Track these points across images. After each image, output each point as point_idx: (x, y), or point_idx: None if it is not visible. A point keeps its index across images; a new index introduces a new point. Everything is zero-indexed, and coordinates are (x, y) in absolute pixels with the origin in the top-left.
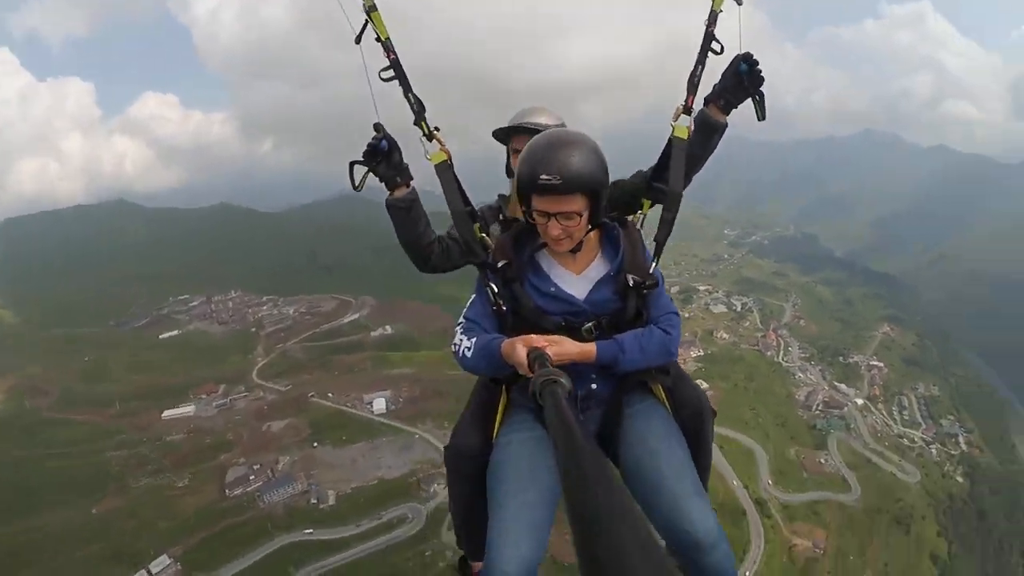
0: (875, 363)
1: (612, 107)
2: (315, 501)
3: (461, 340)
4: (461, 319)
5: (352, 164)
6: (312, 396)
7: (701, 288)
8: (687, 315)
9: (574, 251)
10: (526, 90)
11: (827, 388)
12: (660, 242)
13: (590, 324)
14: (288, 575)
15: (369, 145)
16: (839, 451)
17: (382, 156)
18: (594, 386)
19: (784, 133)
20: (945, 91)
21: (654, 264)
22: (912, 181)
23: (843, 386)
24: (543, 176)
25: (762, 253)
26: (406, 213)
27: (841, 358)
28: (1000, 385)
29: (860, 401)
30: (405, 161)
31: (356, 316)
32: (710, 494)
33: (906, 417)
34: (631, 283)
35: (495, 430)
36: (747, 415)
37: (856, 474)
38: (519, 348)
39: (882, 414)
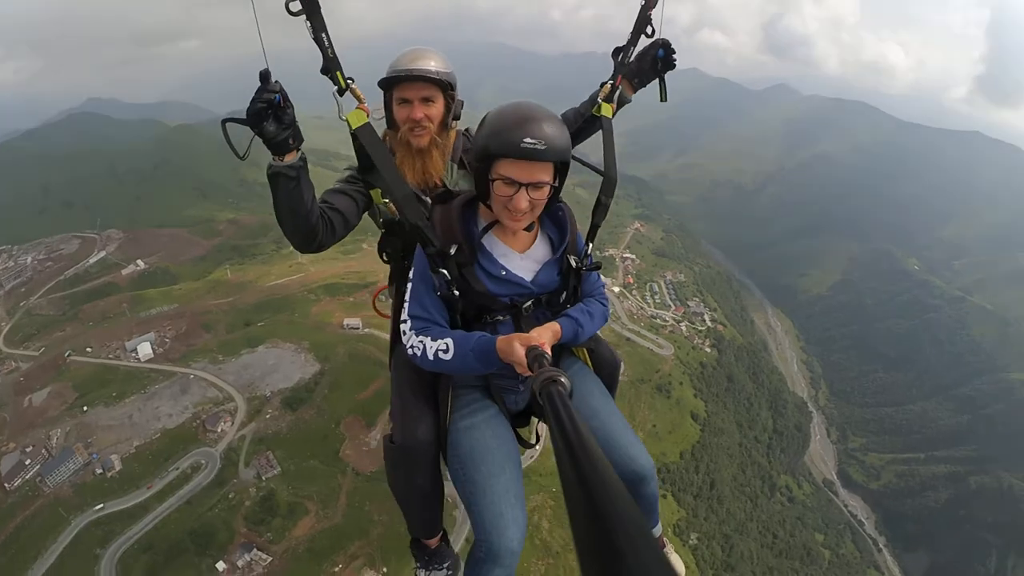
0: (628, 255)
1: (379, 2)
2: (101, 471)
3: (424, 342)
4: (406, 318)
5: (226, 122)
6: (70, 355)
7: None
8: None
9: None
10: None
11: None
12: (596, 225)
13: (530, 303)
14: (96, 558)
15: (262, 100)
16: (601, 334)
17: (272, 113)
18: None
19: (550, 45)
20: (704, 20)
21: (589, 246)
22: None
23: (600, 277)
24: (528, 139)
25: None
26: (296, 184)
27: (598, 251)
28: (736, 272)
29: (617, 289)
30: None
31: (103, 254)
32: None
33: (658, 300)
34: (574, 265)
35: (447, 416)
36: None
37: (619, 351)
38: (517, 347)
39: (637, 299)
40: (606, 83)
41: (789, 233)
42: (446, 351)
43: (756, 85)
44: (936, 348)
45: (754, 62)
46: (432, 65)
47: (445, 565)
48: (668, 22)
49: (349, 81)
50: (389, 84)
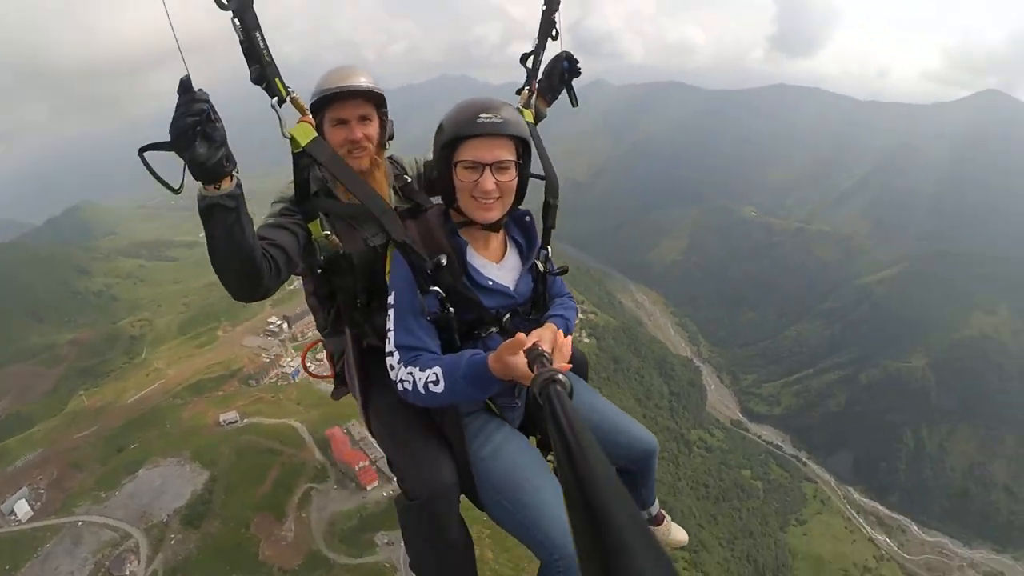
0: None
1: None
2: None
3: (412, 374)
4: (392, 349)
5: (145, 151)
6: None
7: None
8: None
9: (490, 229)
10: (79, 68)
11: None
12: (550, 228)
13: (508, 314)
14: None
15: (190, 113)
16: None
17: (200, 132)
18: None
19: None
20: (512, 35)
21: (549, 250)
22: None
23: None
24: (484, 114)
25: None
26: (235, 216)
27: None
28: (592, 261)
29: None
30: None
31: None
32: None
33: None
34: (542, 270)
35: (464, 449)
36: None
37: None
38: (519, 359)
39: None
40: (522, 90)
41: (631, 213)
42: (436, 382)
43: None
44: (790, 277)
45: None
46: (364, 81)
47: None
48: (477, 42)
49: (289, 90)
50: (322, 104)
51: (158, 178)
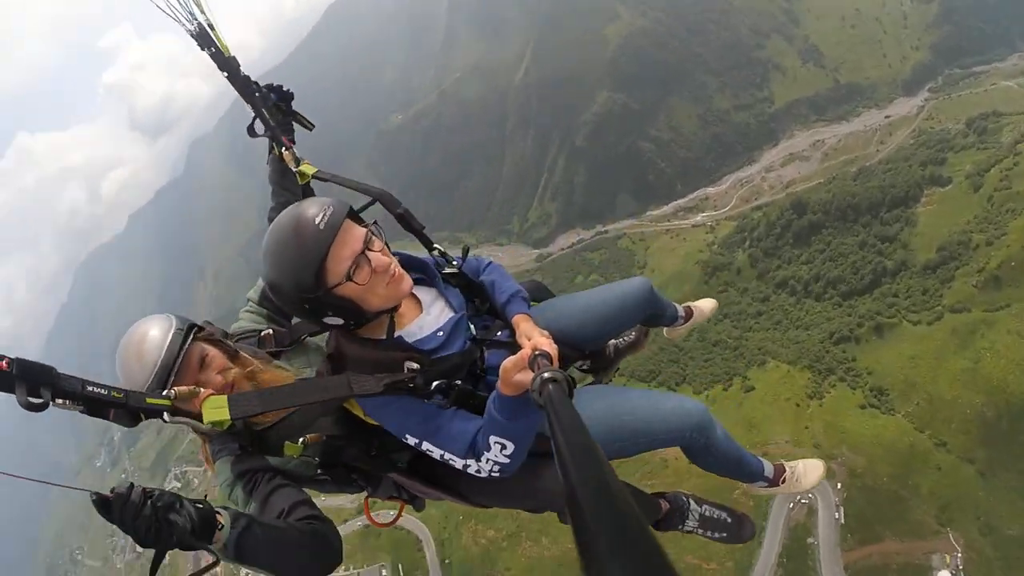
0: None
1: None
2: None
3: (489, 459)
4: (464, 463)
5: (154, 570)
6: None
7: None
8: None
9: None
10: None
11: None
12: (419, 230)
13: (470, 325)
14: None
15: (143, 523)
16: None
17: (162, 521)
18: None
19: None
20: (94, 177)
21: (437, 249)
22: (142, 256)
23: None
24: (316, 222)
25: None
26: (257, 525)
27: None
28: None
29: None
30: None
31: None
32: None
33: None
34: (456, 270)
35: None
36: None
37: None
38: (523, 375)
39: None
40: (283, 151)
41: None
42: (504, 447)
43: (181, 165)
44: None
45: (161, 155)
46: (158, 336)
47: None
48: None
49: (165, 394)
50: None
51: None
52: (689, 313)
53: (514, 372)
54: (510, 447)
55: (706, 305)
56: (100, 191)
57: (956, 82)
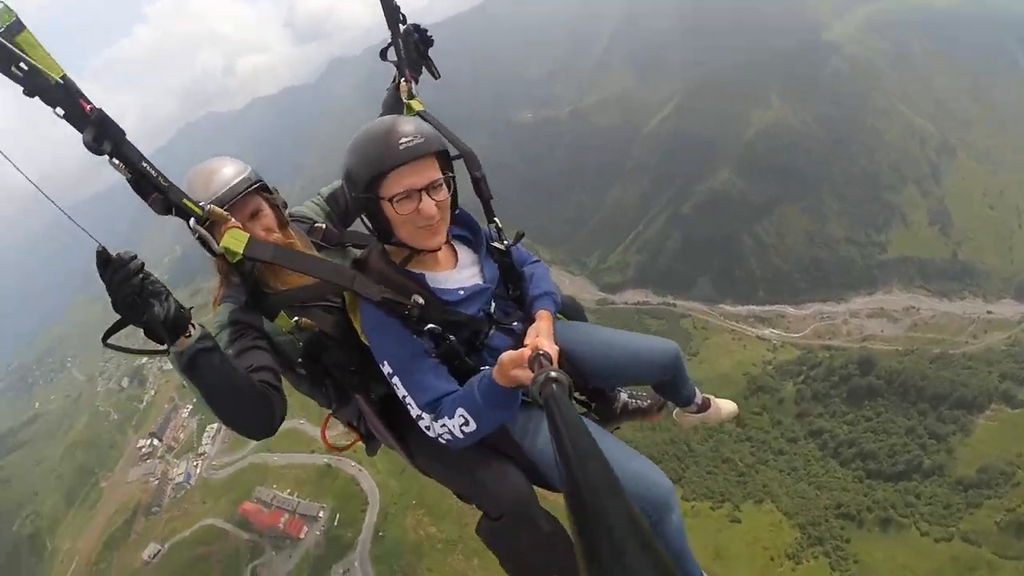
0: None
1: None
2: None
3: (445, 425)
4: (420, 413)
5: (108, 337)
6: None
7: (144, 360)
8: (153, 392)
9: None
10: None
11: None
12: (487, 200)
13: (493, 304)
14: None
15: (127, 285)
16: None
17: (146, 295)
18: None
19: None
20: (234, 52)
21: (497, 222)
22: (249, 139)
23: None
24: (403, 139)
25: (172, 285)
26: (219, 353)
27: None
28: None
29: None
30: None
31: None
32: None
33: None
34: (503, 248)
35: (522, 448)
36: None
37: None
38: (521, 372)
39: None
40: (399, 82)
41: None
42: (466, 423)
43: (313, 76)
44: (586, 154)
45: (301, 59)
46: (238, 175)
47: None
48: (206, 75)
49: (201, 204)
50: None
51: (141, 352)
52: (706, 405)
53: (511, 367)
54: (472, 426)
55: (725, 406)
56: (236, 67)
57: None
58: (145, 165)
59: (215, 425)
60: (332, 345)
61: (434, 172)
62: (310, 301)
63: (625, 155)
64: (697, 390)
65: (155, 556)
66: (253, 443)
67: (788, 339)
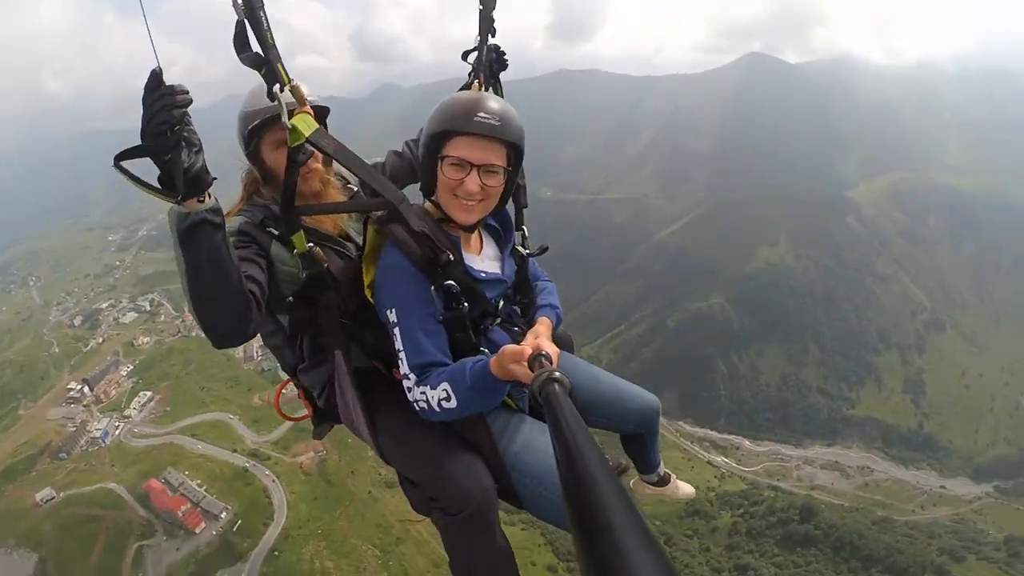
0: None
1: None
2: None
3: (426, 393)
4: (408, 372)
5: (122, 159)
6: None
7: (104, 306)
8: (100, 340)
9: (464, 230)
10: None
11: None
12: (523, 206)
13: (497, 317)
14: None
15: (170, 113)
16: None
17: (183, 134)
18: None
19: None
20: (295, 48)
21: (525, 230)
22: None
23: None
24: (482, 113)
25: (152, 245)
26: (223, 235)
27: None
28: None
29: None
30: None
31: None
32: None
33: None
34: (524, 253)
35: (496, 448)
36: (202, 395)
37: None
38: (519, 368)
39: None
40: (473, 81)
41: None
42: (448, 398)
43: (362, 93)
44: (591, 245)
45: (355, 73)
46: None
47: None
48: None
49: (291, 78)
50: (262, 127)
51: (148, 187)
52: (666, 479)
53: (510, 360)
54: (452, 403)
55: (684, 488)
56: (291, 60)
57: None
58: (262, 14)
59: (148, 393)
60: (333, 287)
61: (494, 157)
62: (354, 211)
63: (627, 256)
64: (661, 462)
65: (47, 501)
66: (179, 423)
67: (737, 471)
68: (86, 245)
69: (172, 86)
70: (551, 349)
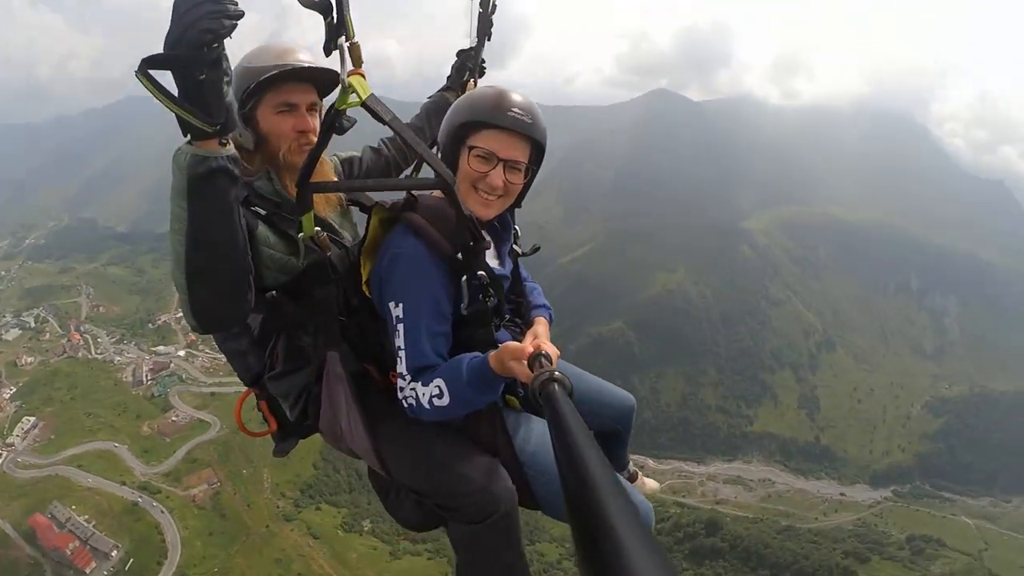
0: (181, 314)
1: None
2: None
3: (416, 390)
4: (405, 373)
5: (149, 66)
6: None
7: None
8: None
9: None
10: None
11: (148, 357)
12: (515, 207)
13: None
14: None
15: (215, 24)
16: (184, 402)
17: (215, 55)
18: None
19: (40, 111)
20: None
21: (517, 229)
22: None
23: (161, 347)
24: (517, 109)
25: (42, 255)
26: (237, 191)
27: (150, 324)
28: None
29: (182, 352)
30: None
31: None
32: None
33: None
34: (519, 252)
35: (513, 448)
36: (88, 423)
37: (208, 411)
38: (517, 365)
39: (208, 352)
40: (467, 81)
41: None
42: (440, 395)
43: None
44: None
45: None
46: (310, 59)
47: None
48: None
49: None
50: (264, 86)
51: (180, 104)
52: (634, 476)
53: (510, 357)
54: (444, 400)
55: (650, 483)
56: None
57: (921, 497)
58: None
59: (32, 418)
60: (333, 277)
61: (520, 154)
62: (382, 188)
63: (549, 283)
64: (630, 460)
65: None
66: (64, 452)
67: (641, 489)
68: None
69: (230, 5)
70: (551, 350)
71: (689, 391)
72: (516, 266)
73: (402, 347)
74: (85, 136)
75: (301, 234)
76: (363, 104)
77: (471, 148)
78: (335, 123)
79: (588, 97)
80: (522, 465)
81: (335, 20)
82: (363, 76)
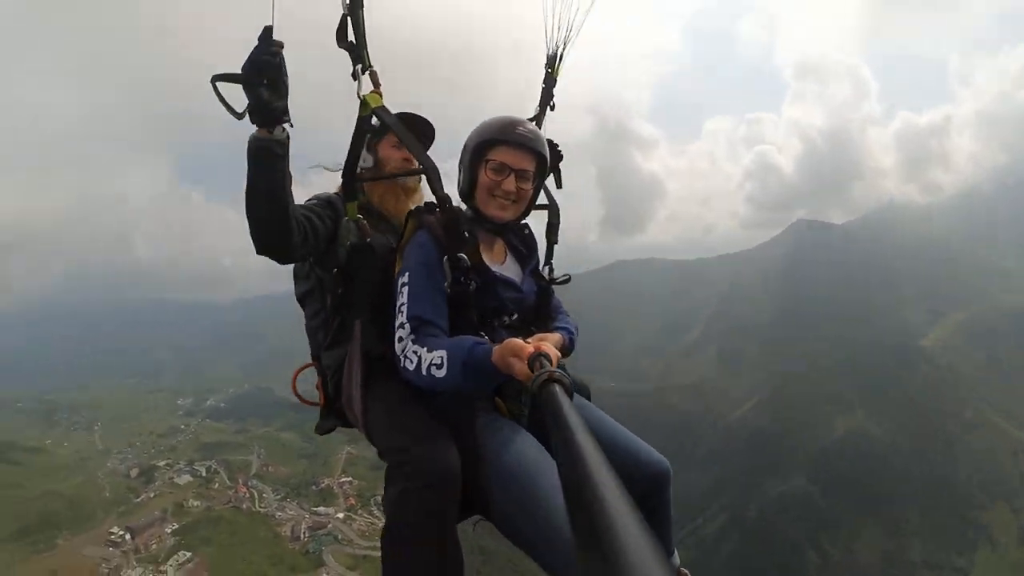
0: (344, 479)
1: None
2: None
3: (419, 353)
4: (404, 321)
5: (218, 80)
6: None
7: (161, 464)
8: (152, 495)
9: (495, 232)
10: None
11: (308, 516)
12: (553, 243)
13: (516, 315)
14: None
15: (267, 55)
16: (337, 561)
17: (273, 75)
18: None
19: (225, 294)
20: None
21: (552, 264)
22: None
23: (322, 508)
24: (522, 128)
25: (220, 416)
26: (283, 163)
27: (314, 486)
28: None
29: (341, 515)
30: None
31: None
32: None
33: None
34: (548, 278)
35: (476, 436)
36: (242, 567)
37: (358, 571)
38: (517, 363)
39: (365, 516)
40: None
41: None
42: (440, 366)
43: None
44: (658, 434)
45: None
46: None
47: None
48: None
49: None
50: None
51: (225, 103)
52: None
53: (511, 354)
54: (441, 373)
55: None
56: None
57: None
58: (361, 12)
59: (188, 553)
60: (370, 264)
61: (528, 164)
62: (399, 174)
63: (698, 443)
64: (676, 552)
65: None
66: None
67: None
68: (154, 405)
69: (274, 42)
70: (553, 352)
71: (889, 547)
72: (546, 294)
73: (404, 303)
74: (263, 317)
75: (346, 217)
76: (373, 111)
77: (487, 162)
78: (362, 128)
79: (730, 244)
80: (480, 457)
81: (356, 57)
82: (379, 95)
